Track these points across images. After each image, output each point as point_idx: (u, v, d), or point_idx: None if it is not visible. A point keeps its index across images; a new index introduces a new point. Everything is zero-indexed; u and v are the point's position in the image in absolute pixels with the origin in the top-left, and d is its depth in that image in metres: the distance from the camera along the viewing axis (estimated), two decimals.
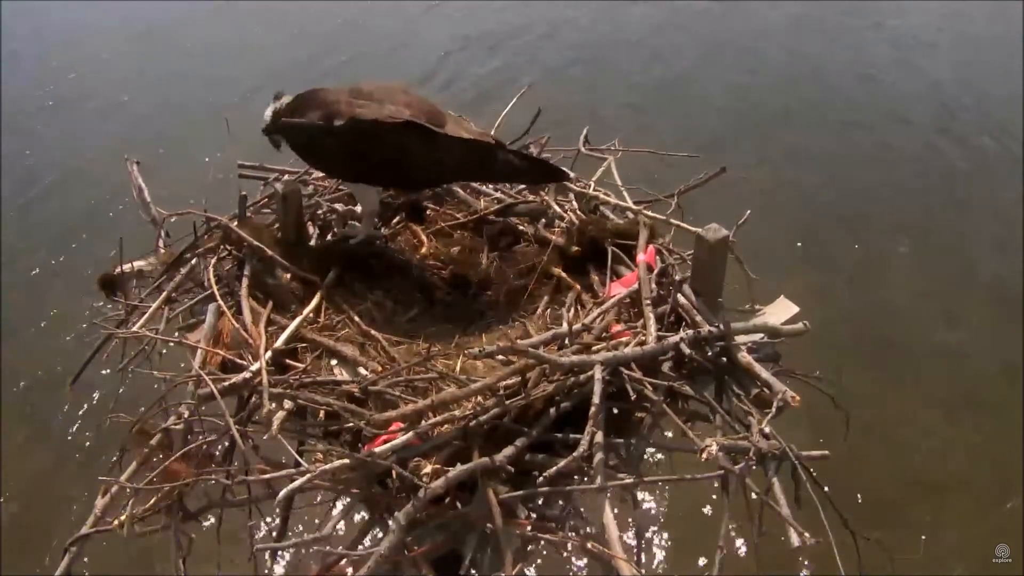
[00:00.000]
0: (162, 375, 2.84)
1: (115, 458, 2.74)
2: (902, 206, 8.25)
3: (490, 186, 3.82)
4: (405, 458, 2.45)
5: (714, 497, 4.79)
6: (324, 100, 3.21)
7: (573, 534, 2.55)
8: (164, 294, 3.21)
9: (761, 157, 8.62)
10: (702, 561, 4.71)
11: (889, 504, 5.41)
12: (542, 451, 2.59)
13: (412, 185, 3.53)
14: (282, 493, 2.39)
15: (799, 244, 7.66)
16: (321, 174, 3.74)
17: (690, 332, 2.74)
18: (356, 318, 3.10)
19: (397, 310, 3.26)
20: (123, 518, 2.51)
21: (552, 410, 2.60)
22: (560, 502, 2.73)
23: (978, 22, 11.76)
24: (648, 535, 5.18)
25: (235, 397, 2.84)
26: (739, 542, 4.44)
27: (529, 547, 2.77)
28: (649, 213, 3.39)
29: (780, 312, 2.99)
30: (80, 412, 5.96)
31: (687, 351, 2.70)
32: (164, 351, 3.16)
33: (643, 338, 2.76)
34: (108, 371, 3.20)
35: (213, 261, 3.27)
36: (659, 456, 3.06)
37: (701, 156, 4.01)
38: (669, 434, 2.76)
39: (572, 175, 3.55)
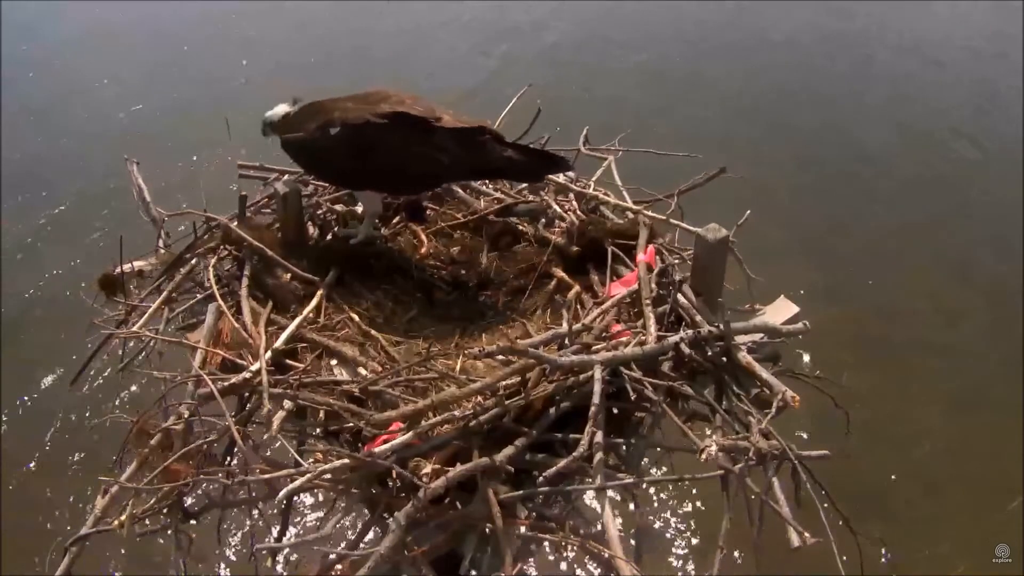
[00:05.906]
0: (162, 375, 2.84)
1: (115, 458, 2.74)
2: (902, 206, 8.25)
3: (490, 186, 3.81)
4: (405, 458, 2.45)
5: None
6: (320, 110, 3.22)
7: (573, 534, 2.55)
8: (164, 294, 3.21)
9: (761, 157, 8.61)
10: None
11: (890, 504, 5.42)
12: (542, 451, 2.59)
13: (414, 185, 3.49)
14: (282, 493, 2.40)
15: (799, 244, 7.65)
16: None
17: (690, 332, 2.74)
18: (356, 318, 3.10)
19: (397, 310, 3.26)
20: (123, 518, 2.51)
21: (552, 410, 2.60)
22: (560, 502, 2.72)
23: (978, 23, 11.78)
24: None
25: (235, 397, 2.84)
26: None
27: (530, 547, 2.77)
28: (649, 213, 3.39)
29: (780, 312, 2.99)
30: (80, 412, 5.95)
31: (687, 351, 2.71)
32: (168, 355, 3.15)
33: (643, 338, 2.76)
34: (108, 371, 3.19)
35: (213, 261, 3.27)
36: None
37: (701, 156, 4.00)
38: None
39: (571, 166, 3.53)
